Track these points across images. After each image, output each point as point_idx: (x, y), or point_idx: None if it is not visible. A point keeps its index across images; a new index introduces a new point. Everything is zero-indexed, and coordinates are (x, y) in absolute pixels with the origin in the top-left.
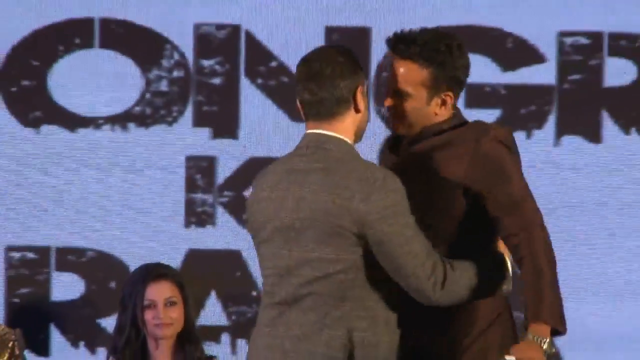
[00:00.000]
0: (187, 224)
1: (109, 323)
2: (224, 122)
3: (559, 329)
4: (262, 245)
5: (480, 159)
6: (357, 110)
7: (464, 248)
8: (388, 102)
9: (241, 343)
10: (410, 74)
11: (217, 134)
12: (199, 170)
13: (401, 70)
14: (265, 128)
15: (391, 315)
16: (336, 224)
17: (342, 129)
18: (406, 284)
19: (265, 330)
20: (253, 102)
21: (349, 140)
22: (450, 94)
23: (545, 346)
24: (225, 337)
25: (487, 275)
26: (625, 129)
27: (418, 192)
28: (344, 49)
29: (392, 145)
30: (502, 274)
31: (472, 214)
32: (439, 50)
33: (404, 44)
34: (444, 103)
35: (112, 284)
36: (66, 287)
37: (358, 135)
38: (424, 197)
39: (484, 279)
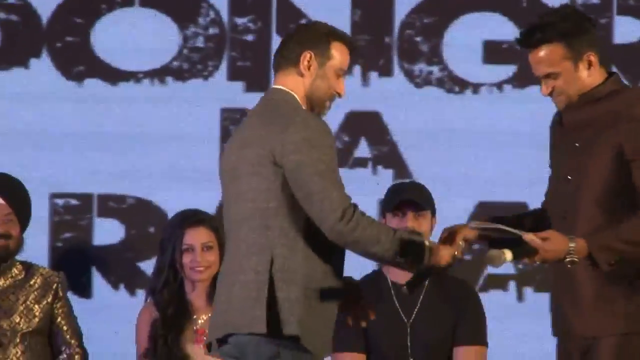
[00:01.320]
0: None
1: (147, 266)
2: (256, 77)
3: (594, 256)
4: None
5: (633, 125)
6: (300, 74)
7: (614, 210)
8: (544, 90)
9: None
10: (549, 56)
11: (250, 87)
12: (233, 121)
13: (539, 57)
14: None
15: (311, 251)
16: (260, 154)
17: (290, 85)
18: (311, 210)
19: None
20: None
21: (296, 96)
22: (592, 52)
23: (568, 258)
24: None
25: (386, 243)
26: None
27: (577, 159)
28: (320, 24)
29: (560, 119)
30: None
31: (622, 177)
32: (557, 24)
33: (527, 37)
34: (590, 64)
35: (151, 229)
36: (107, 232)
37: (315, 103)
38: (581, 164)
39: (383, 245)
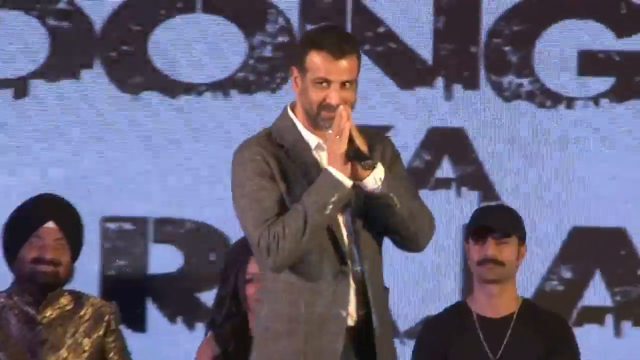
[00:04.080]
0: None
1: (208, 297)
2: None
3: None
4: None
5: None
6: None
7: None
8: None
9: None
10: None
11: None
12: None
13: None
14: (373, 97)
15: (279, 285)
16: None
17: (294, 101)
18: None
19: None
20: (360, 69)
21: (290, 114)
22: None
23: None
24: None
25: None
26: None
27: None
28: (309, 31)
29: None
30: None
31: None
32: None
33: None
34: None
35: (212, 256)
36: (164, 259)
37: (310, 118)
38: None
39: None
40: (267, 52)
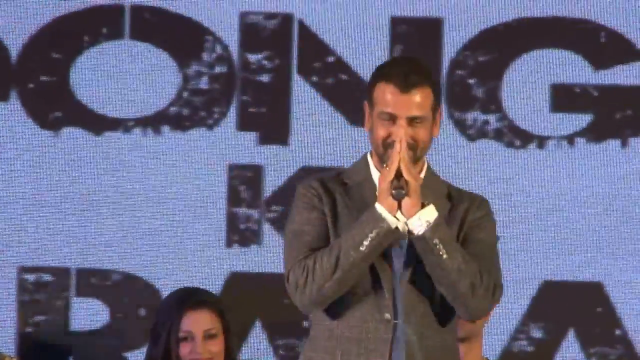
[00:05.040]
0: (229, 242)
1: (137, 357)
2: (272, 126)
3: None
4: None
5: None
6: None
7: None
8: None
9: None
10: None
11: (265, 139)
12: (244, 181)
13: None
14: (320, 133)
15: (318, 332)
16: None
17: None
18: None
19: None
20: (306, 103)
21: (369, 154)
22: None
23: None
24: None
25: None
26: None
27: None
28: (398, 57)
29: None
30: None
31: None
32: None
33: None
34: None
35: (142, 312)
36: (88, 314)
37: (377, 153)
38: None
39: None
40: (203, 83)
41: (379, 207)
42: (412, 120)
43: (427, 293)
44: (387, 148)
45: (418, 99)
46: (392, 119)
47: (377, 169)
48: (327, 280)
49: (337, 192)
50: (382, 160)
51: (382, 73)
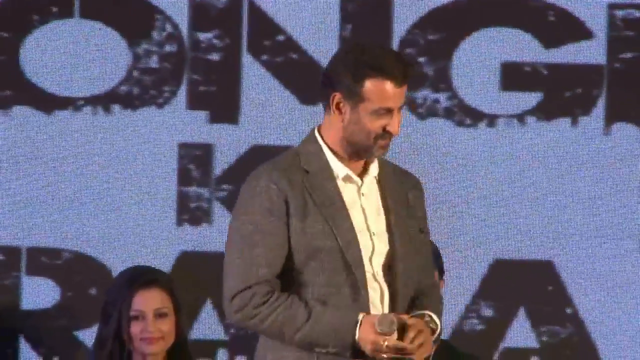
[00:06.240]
0: (180, 221)
1: (87, 336)
2: (222, 105)
3: None
4: None
5: None
6: (332, 115)
7: None
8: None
9: None
10: None
11: (215, 118)
12: (194, 159)
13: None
14: (270, 112)
15: None
16: None
17: (324, 126)
18: None
19: None
20: (256, 82)
21: (321, 141)
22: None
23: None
24: (222, 354)
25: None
26: None
27: None
28: (356, 49)
29: None
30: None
31: None
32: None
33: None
34: None
35: (93, 291)
36: (38, 293)
37: (358, 148)
38: None
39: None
40: (154, 62)
41: (356, 333)
42: (399, 109)
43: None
44: (378, 139)
45: (405, 88)
46: (389, 112)
47: (336, 158)
48: (273, 336)
49: (301, 183)
50: (366, 151)
51: (375, 68)
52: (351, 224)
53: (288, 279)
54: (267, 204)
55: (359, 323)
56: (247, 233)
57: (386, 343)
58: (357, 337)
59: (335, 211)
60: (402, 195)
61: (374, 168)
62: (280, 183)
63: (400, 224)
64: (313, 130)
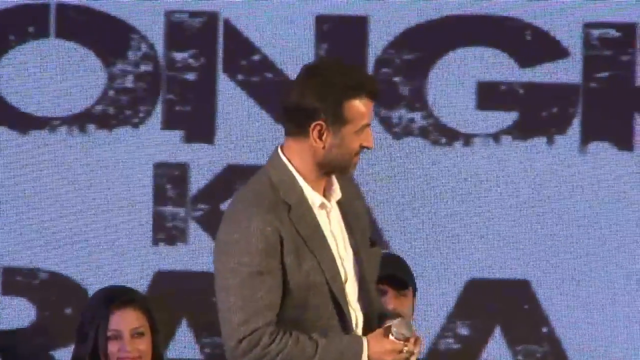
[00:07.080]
0: (155, 241)
1: (63, 355)
2: (198, 124)
3: None
4: None
5: None
6: (310, 143)
7: None
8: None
9: None
10: None
11: (191, 137)
12: (169, 179)
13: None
14: (246, 131)
15: None
16: None
17: (293, 151)
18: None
19: None
20: (232, 102)
21: (291, 168)
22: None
23: None
24: None
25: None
26: None
27: None
28: (329, 72)
29: None
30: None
31: None
32: None
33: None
34: None
35: (68, 310)
36: (14, 312)
37: (335, 169)
38: None
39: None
40: (129, 82)
41: (369, 354)
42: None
43: None
44: (355, 156)
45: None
46: (367, 127)
47: (308, 185)
48: None
49: (291, 223)
50: (338, 170)
51: (354, 88)
52: (333, 255)
53: (285, 315)
54: (262, 245)
55: (367, 342)
56: (245, 276)
57: (406, 348)
58: (367, 354)
59: (318, 244)
60: (353, 208)
61: (337, 189)
62: (274, 224)
63: (363, 241)
64: (277, 153)
